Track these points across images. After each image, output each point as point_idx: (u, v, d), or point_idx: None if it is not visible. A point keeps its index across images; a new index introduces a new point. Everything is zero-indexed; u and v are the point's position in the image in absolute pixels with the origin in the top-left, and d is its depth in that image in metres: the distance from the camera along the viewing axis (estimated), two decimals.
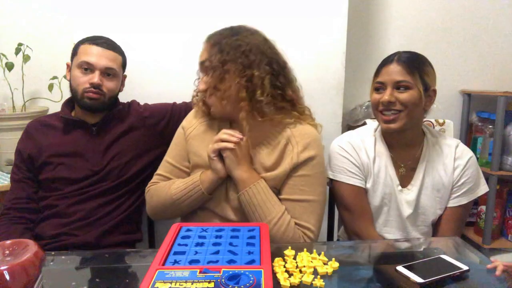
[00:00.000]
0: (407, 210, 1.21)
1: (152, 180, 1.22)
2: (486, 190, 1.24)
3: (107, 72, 1.27)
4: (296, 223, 1.06)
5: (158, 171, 1.22)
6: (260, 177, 1.08)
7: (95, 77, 1.25)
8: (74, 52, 1.30)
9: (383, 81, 1.16)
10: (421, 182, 1.21)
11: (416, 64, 1.15)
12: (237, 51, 1.05)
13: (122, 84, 1.38)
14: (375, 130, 1.27)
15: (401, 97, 1.13)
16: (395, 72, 1.14)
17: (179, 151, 1.21)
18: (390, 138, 1.23)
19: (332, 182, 1.27)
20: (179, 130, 1.24)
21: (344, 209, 1.25)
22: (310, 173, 1.10)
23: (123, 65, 1.35)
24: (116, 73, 1.30)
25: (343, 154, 1.22)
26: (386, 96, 1.14)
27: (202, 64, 1.10)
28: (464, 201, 1.20)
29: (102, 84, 1.26)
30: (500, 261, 0.86)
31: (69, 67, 1.32)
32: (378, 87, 1.18)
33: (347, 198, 1.22)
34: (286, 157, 1.10)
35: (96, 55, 1.25)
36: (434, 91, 1.19)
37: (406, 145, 1.22)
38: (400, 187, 1.22)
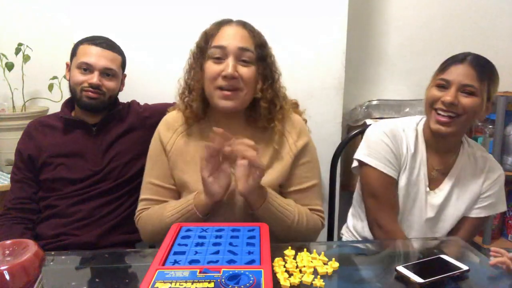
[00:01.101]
0: (429, 213, 1.19)
1: (139, 208, 1.12)
2: (505, 209, 1.23)
3: (106, 73, 1.27)
4: (309, 209, 1.10)
5: (143, 196, 1.12)
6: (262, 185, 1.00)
7: (94, 78, 1.24)
8: (73, 53, 1.30)
9: (450, 79, 1.07)
10: (449, 189, 1.19)
11: (487, 72, 1.09)
12: (273, 59, 1.10)
13: (122, 84, 1.38)
14: (417, 124, 1.21)
15: (464, 102, 1.06)
16: (465, 74, 1.06)
17: (161, 169, 1.11)
18: (431, 140, 1.19)
19: (361, 167, 1.21)
20: (156, 144, 1.13)
21: (371, 196, 1.19)
22: (309, 158, 1.12)
23: (123, 65, 1.35)
24: (115, 73, 1.30)
25: (385, 141, 1.16)
26: (449, 96, 1.05)
27: (242, 49, 1.02)
28: (483, 214, 1.20)
29: (101, 84, 1.26)
30: (503, 251, 0.86)
31: (68, 67, 1.32)
32: (441, 85, 1.09)
33: (376, 185, 1.17)
34: (283, 150, 1.10)
35: (95, 56, 1.25)
36: (492, 103, 1.13)
37: (444, 150, 1.19)
38: (428, 189, 1.19)
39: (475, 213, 1.20)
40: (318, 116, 1.21)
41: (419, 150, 1.19)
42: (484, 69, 1.08)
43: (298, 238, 1.04)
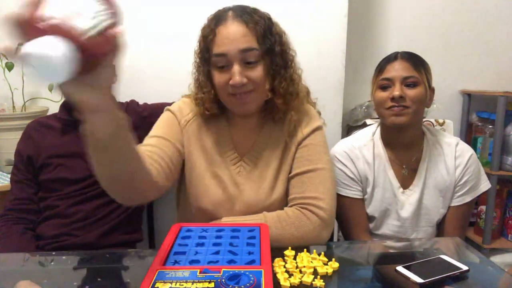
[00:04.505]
0: (409, 212, 1.20)
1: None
2: (489, 186, 1.24)
3: None
4: (301, 201, 1.00)
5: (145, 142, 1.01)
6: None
7: None
8: None
9: (391, 77, 1.14)
10: (423, 183, 1.20)
11: (420, 62, 1.16)
12: (284, 45, 1.03)
13: None
14: (373, 134, 1.26)
15: (410, 94, 1.12)
16: (403, 68, 1.13)
17: (173, 132, 1.04)
18: (391, 138, 1.22)
19: None
20: (168, 115, 1.08)
21: (338, 219, 1.24)
22: (313, 141, 1.06)
23: None
24: None
25: (338, 165, 1.22)
26: (396, 91, 1.11)
27: (244, 51, 0.94)
28: (467, 199, 1.20)
29: None
30: None
31: None
32: (385, 85, 1.15)
33: (340, 209, 1.19)
34: (293, 142, 1.07)
35: None
36: (433, 89, 1.19)
37: (407, 145, 1.21)
38: (401, 189, 1.21)
39: (459, 201, 1.20)
40: None
41: (379, 156, 1.22)
42: (416, 60, 1.15)
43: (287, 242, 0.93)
